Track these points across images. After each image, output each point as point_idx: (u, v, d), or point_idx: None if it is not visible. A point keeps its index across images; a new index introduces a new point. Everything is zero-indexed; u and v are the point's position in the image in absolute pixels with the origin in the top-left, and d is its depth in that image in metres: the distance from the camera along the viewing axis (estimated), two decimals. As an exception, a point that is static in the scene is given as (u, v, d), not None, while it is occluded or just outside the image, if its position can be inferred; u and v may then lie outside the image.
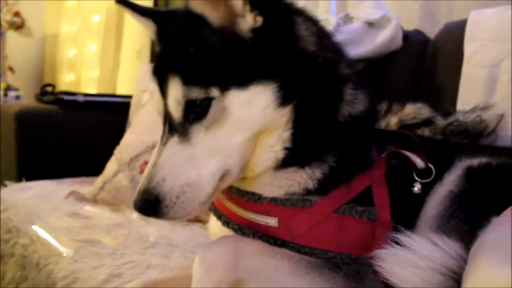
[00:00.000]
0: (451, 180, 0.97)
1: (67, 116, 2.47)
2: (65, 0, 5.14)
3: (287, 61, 0.87)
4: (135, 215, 1.63)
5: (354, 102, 0.95)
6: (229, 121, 0.84)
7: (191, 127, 0.85)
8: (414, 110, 1.54)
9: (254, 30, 0.85)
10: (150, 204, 0.84)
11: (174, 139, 0.86)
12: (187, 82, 0.83)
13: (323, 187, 0.91)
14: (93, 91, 4.32)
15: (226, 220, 0.99)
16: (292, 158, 0.91)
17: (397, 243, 0.81)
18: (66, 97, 2.54)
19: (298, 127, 0.89)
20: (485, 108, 1.50)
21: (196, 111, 0.84)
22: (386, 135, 1.10)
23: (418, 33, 2.00)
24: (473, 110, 1.50)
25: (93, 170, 2.07)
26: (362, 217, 0.90)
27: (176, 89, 0.84)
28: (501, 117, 1.46)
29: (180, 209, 0.84)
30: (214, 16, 0.85)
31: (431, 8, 2.18)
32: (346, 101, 0.94)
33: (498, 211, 0.82)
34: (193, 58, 0.85)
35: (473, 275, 0.68)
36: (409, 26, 2.08)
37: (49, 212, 1.64)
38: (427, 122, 1.50)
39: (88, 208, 1.69)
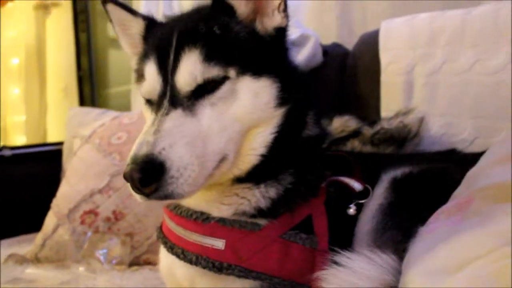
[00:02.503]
0: (379, 194, 1.03)
1: (-5, 173, 2.32)
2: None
3: (288, 68, 1.00)
4: (82, 268, 1.57)
5: (312, 124, 1.01)
6: (235, 106, 0.88)
7: (198, 102, 0.87)
8: (342, 123, 1.59)
9: (277, 30, 0.95)
10: (153, 171, 0.76)
11: (178, 112, 0.85)
12: (208, 58, 0.86)
13: (274, 209, 0.93)
14: (21, 137, 4.10)
15: (171, 245, 0.98)
16: (254, 172, 0.93)
17: (336, 263, 0.84)
18: (-10, 153, 2.40)
19: (280, 133, 0.93)
20: (406, 113, 1.58)
21: (207, 88, 0.87)
22: (324, 160, 1.12)
23: (337, 46, 2.08)
24: (396, 116, 1.58)
25: (32, 227, 1.96)
26: (306, 244, 0.93)
27: (193, 64, 0.86)
28: (421, 119, 1.55)
29: (184, 183, 0.78)
30: (242, 9, 0.94)
31: (348, 19, 2.23)
32: (309, 122, 1.01)
33: (425, 217, 0.87)
34: (218, 38, 0.89)
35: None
36: (330, 39, 2.14)
37: (-14, 282, 1.53)
38: (356, 134, 1.56)
39: (30, 271, 1.60)
